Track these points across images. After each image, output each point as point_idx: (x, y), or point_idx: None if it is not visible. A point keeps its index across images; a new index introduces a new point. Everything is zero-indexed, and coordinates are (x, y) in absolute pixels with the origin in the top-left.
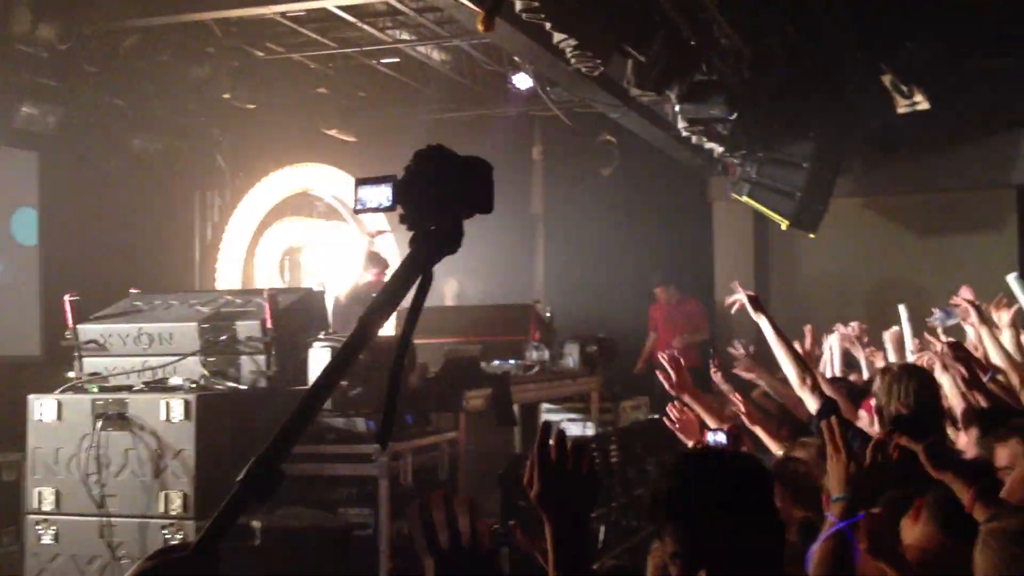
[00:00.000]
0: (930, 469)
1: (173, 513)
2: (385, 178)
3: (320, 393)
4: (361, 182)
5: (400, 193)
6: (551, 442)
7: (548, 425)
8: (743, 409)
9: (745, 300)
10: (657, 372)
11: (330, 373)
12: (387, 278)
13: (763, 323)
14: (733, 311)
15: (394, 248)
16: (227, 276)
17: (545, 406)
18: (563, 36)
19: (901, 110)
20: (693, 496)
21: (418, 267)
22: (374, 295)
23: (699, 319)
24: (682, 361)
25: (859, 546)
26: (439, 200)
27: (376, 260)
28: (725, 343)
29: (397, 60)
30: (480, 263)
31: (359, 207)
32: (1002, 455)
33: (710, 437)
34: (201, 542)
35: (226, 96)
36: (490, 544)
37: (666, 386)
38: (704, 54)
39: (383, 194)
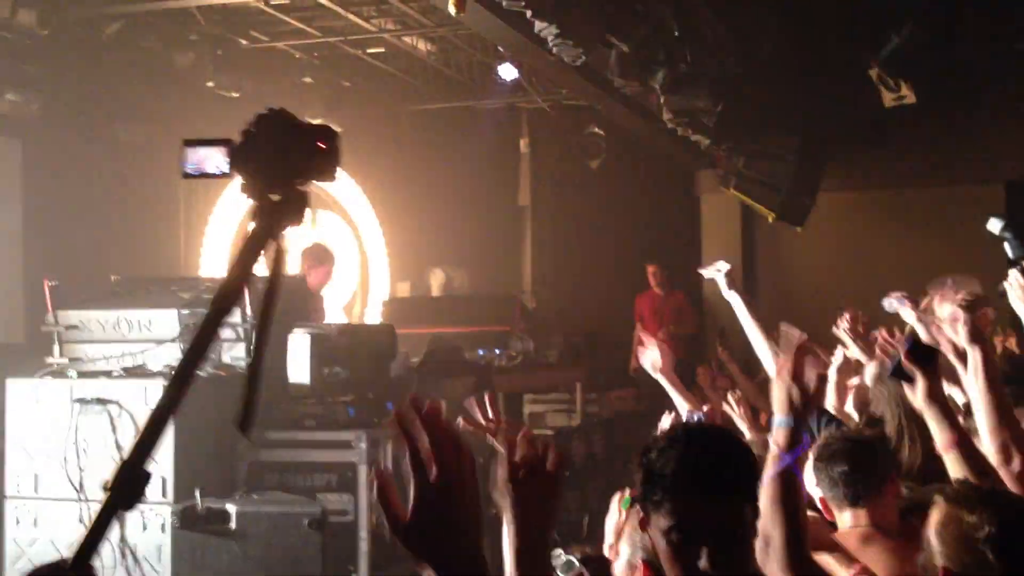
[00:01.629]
0: (923, 399)
1: (151, 498)
2: (219, 141)
3: (181, 384)
4: (191, 143)
5: (237, 159)
6: (519, 443)
7: (513, 424)
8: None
9: (719, 276)
10: (639, 350)
11: (188, 362)
12: (328, 275)
13: (735, 301)
14: (705, 276)
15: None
16: (211, 263)
17: (529, 396)
18: (544, 24)
19: (888, 104)
20: (696, 469)
21: (263, 241)
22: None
23: (686, 312)
24: (666, 348)
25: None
26: (280, 167)
27: (316, 255)
28: (711, 338)
29: (382, 50)
30: (467, 254)
31: (189, 171)
32: None
33: (685, 417)
34: (76, 557)
35: (210, 84)
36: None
37: (644, 363)
38: (689, 45)
39: (218, 159)
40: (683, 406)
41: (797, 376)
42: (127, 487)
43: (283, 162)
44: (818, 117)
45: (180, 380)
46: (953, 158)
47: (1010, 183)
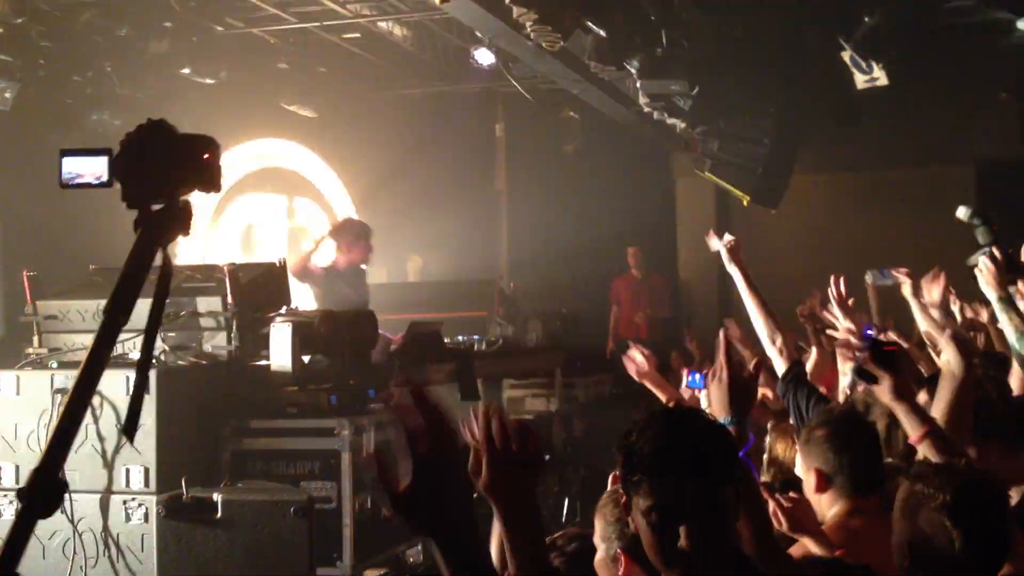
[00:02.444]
0: (890, 398)
1: (134, 487)
2: (100, 150)
3: (86, 390)
4: (68, 153)
5: (118, 168)
6: (495, 427)
7: (490, 408)
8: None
9: (722, 248)
10: (624, 358)
11: (90, 370)
12: (366, 245)
13: (736, 275)
14: (713, 248)
15: None
16: (187, 252)
17: (508, 381)
18: (523, 10)
19: (861, 86)
20: (672, 451)
21: (150, 250)
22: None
23: (662, 295)
24: (650, 354)
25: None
26: (161, 177)
27: (351, 231)
28: (687, 322)
29: (358, 35)
30: (444, 239)
31: (67, 180)
32: None
33: (687, 380)
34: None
35: (185, 71)
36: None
37: (630, 371)
38: (665, 29)
39: (97, 168)
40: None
41: (732, 376)
42: (43, 495)
43: (164, 172)
44: (792, 100)
45: (85, 386)
46: (925, 140)
47: (981, 164)
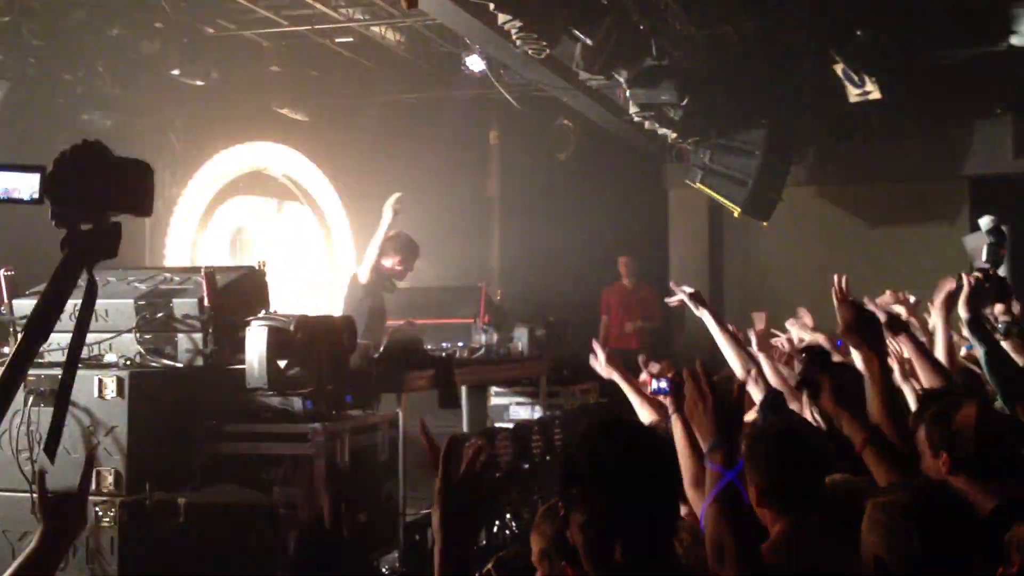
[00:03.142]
0: (829, 406)
1: (105, 490)
2: (33, 167)
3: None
4: (1, 168)
5: (50, 186)
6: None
7: (454, 440)
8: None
9: (686, 298)
10: (591, 353)
11: (5, 385)
12: (409, 267)
13: (706, 318)
14: (672, 304)
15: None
16: (176, 254)
17: (494, 389)
18: (508, 17)
19: (853, 99)
20: (607, 467)
21: (75, 270)
22: (390, 282)
23: (653, 306)
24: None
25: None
26: (92, 198)
27: (395, 246)
28: (678, 331)
29: (351, 40)
30: (435, 245)
31: None
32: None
33: (653, 384)
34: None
35: (175, 72)
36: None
37: (595, 366)
38: (655, 39)
39: (29, 185)
40: (641, 410)
41: (716, 401)
42: None
43: (94, 193)
44: (785, 112)
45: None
46: (918, 154)
47: (974, 179)
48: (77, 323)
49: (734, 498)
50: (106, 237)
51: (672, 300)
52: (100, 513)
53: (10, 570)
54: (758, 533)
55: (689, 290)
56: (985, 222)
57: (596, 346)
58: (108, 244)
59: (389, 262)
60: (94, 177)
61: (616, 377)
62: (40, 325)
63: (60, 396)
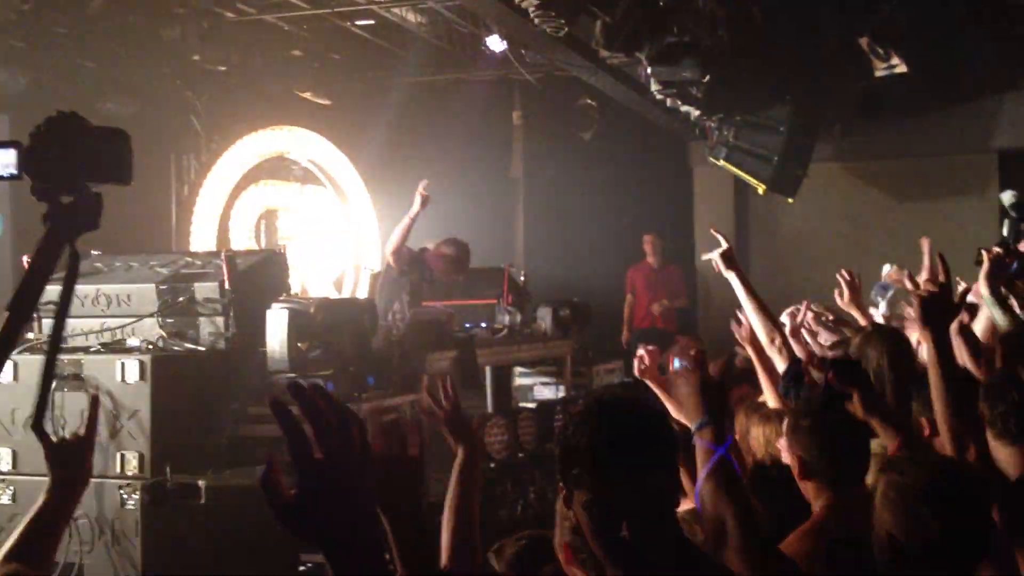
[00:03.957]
0: (860, 412)
1: (129, 473)
2: (8, 143)
3: None
4: None
5: (27, 161)
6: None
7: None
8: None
9: (717, 257)
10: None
11: None
12: (455, 272)
13: (733, 280)
14: (710, 261)
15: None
16: (201, 239)
17: (519, 369)
18: None
19: (879, 73)
20: (607, 445)
21: (58, 244)
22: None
23: (678, 285)
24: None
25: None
26: (70, 170)
27: (454, 248)
28: (703, 311)
29: (372, 22)
30: (460, 226)
31: None
32: None
33: (676, 363)
34: None
35: (196, 58)
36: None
37: (635, 368)
38: (676, 15)
39: (6, 161)
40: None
41: (701, 378)
42: None
43: (73, 164)
44: (809, 87)
45: None
46: (945, 128)
47: (1003, 152)
48: (60, 298)
49: (728, 472)
50: (88, 209)
51: (705, 257)
52: (124, 496)
53: (23, 523)
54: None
55: (724, 246)
56: (1007, 197)
57: (642, 349)
58: (90, 216)
59: (440, 261)
60: (72, 148)
61: (648, 380)
62: (24, 302)
63: (44, 374)
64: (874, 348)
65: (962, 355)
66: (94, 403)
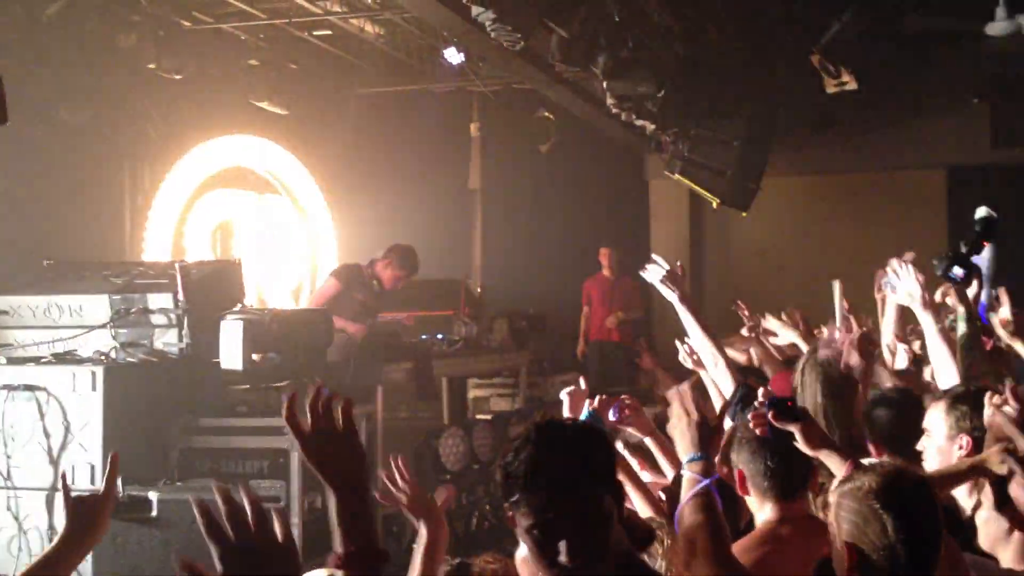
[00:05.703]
0: (805, 448)
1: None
2: None
3: None
4: None
5: None
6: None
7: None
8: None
9: (656, 281)
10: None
11: None
12: (402, 278)
13: (676, 303)
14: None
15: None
16: (156, 249)
17: (475, 381)
18: (481, 9)
19: (830, 90)
20: (546, 469)
21: None
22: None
23: (634, 297)
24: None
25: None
26: None
27: (398, 255)
28: (659, 323)
29: (330, 33)
30: (417, 238)
31: None
32: None
33: (585, 412)
34: None
35: (152, 66)
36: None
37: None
38: (631, 30)
39: None
40: (666, 467)
41: (702, 420)
42: None
43: None
44: (763, 102)
45: None
46: (895, 144)
47: (951, 168)
48: None
49: (710, 500)
50: None
51: (646, 275)
52: None
53: (29, 567)
54: (732, 532)
55: (665, 267)
56: (980, 211)
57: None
58: None
59: (387, 268)
60: None
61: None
62: None
63: None
64: (810, 375)
65: None
66: (113, 462)
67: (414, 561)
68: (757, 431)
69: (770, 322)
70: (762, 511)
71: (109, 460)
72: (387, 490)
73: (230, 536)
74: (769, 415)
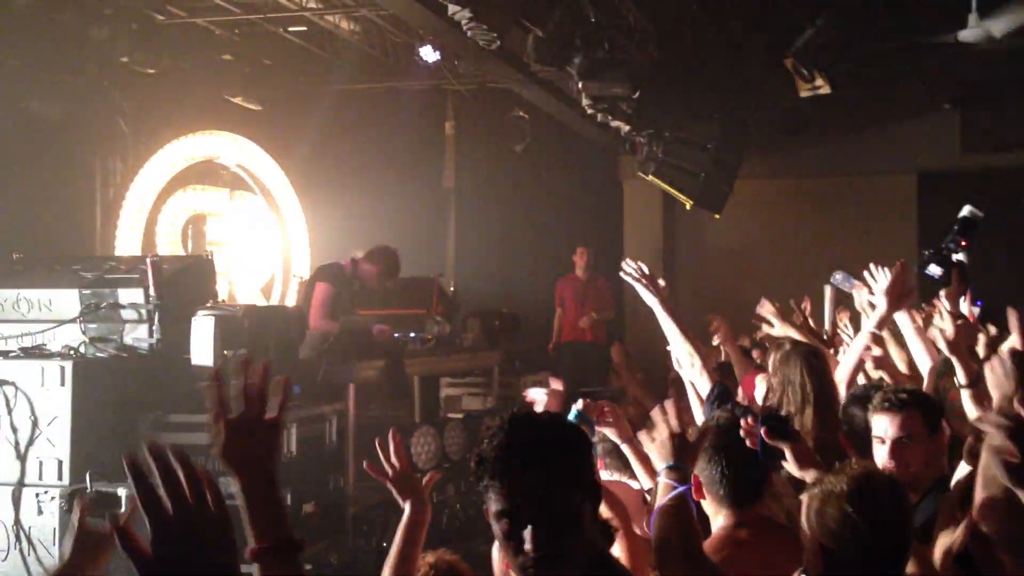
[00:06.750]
0: (794, 467)
1: (47, 480)
2: None
3: None
4: None
5: None
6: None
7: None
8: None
9: (636, 285)
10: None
11: None
12: (384, 279)
13: (656, 307)
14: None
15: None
16: (127, 243)
17: (447, 380)
18: (457, 7)
19: (803, 94)
20: (518, 455)
21: None
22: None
23: (607, 297)
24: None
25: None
26: None
27: (382, 257)
28: (630, 323)
29: (304, 29)
30: (391, 236)
31: None
32: None
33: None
34: None
35: (125, 60)
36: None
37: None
38: (607, 31)
39: None
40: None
41: (680, 428)
42: None
43: None
44: (737, 105)
45: None
46: (867, 148)
47: (923, 174)
48: None
49: (685, 506)
50: None
51: (626, 276)
52: (42, 503)
53: None
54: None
55: (645, 270)
56: (964, 210)
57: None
58: None
59: (373, 273)
60: None
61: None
62: None
63: None
64: (792, 366)
65: None
66: (131, 501)
67: (397, 536)
68: (747, 442)
69: (766, 308)
70: (719, 516)
71: (127, 497)
72: (377, 460)
73: (167, 509)
74: (762, 432)
